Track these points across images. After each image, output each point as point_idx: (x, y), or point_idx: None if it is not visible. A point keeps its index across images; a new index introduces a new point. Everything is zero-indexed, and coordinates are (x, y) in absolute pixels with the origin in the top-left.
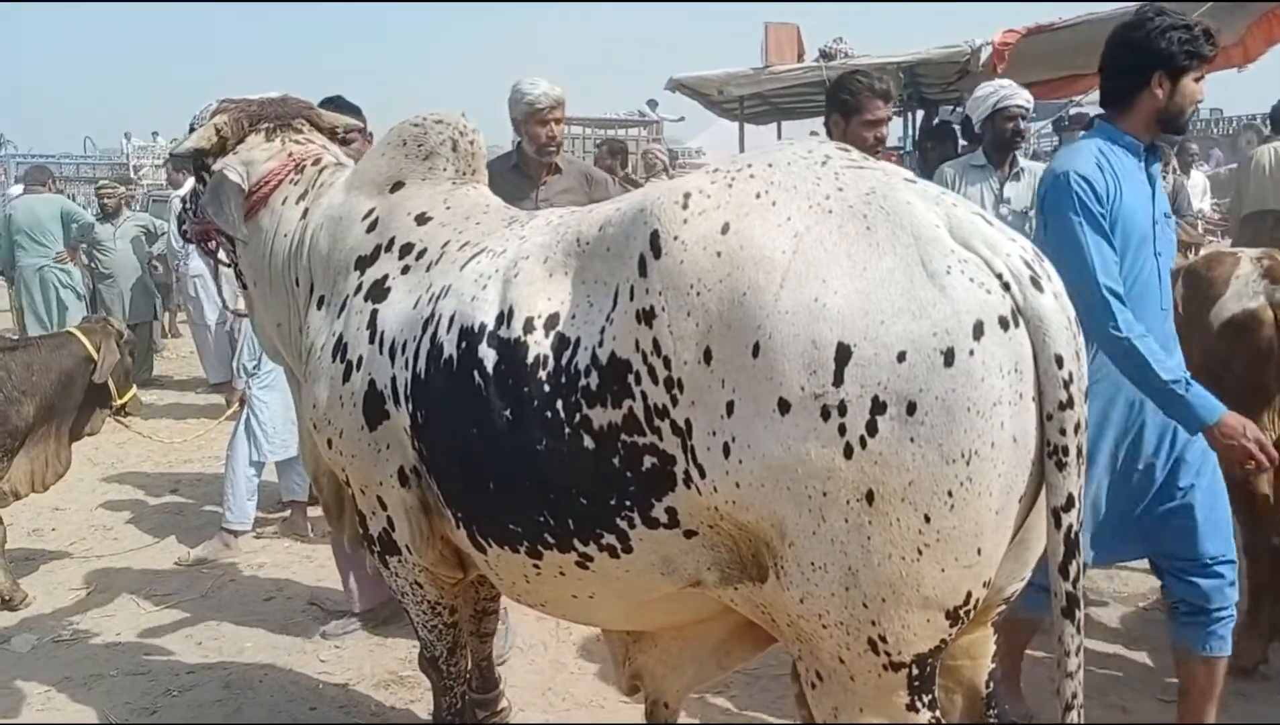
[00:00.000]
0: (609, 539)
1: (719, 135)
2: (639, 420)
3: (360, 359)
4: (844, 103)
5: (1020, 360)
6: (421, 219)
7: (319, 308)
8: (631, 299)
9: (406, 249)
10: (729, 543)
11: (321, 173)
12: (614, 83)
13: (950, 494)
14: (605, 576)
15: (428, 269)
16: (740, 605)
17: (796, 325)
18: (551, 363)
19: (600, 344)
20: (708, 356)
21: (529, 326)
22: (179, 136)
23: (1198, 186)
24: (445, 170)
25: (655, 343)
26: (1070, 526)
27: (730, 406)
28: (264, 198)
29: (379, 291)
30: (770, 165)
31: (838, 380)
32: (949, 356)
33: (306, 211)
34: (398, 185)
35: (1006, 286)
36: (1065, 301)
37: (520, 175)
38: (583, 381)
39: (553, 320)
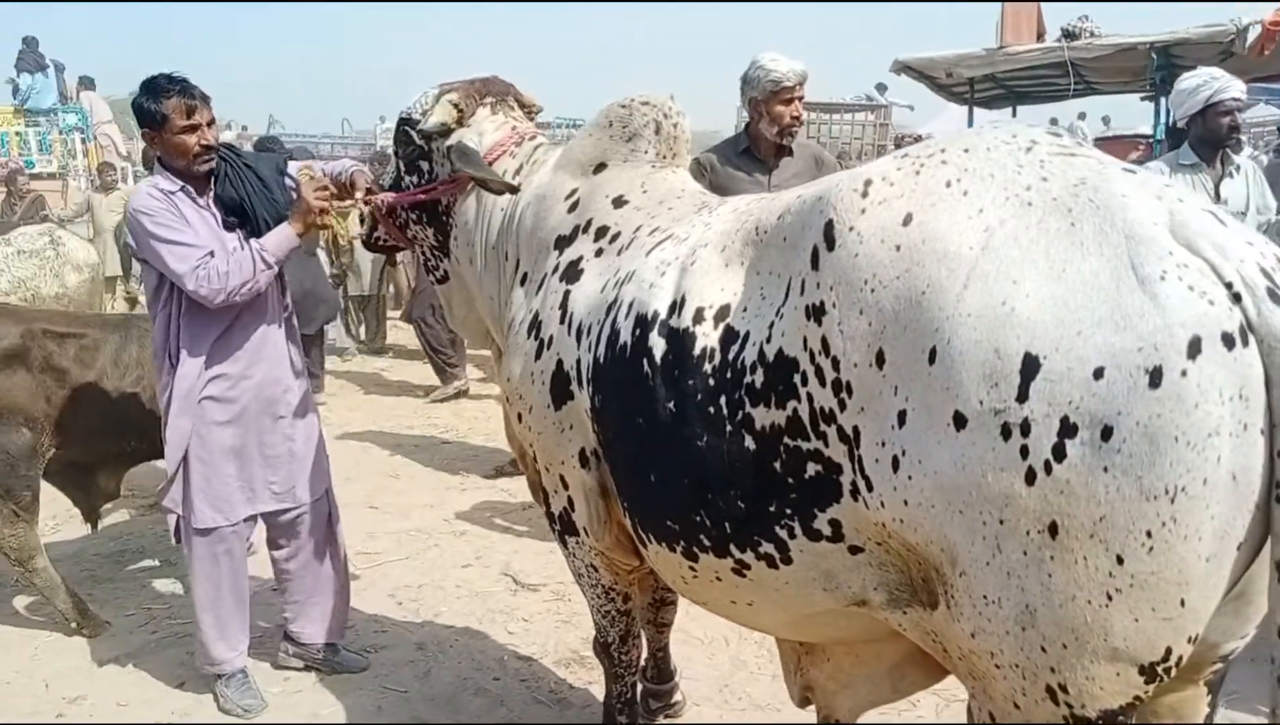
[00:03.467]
0: (766, 548)
1: (951, 123)
2: (804, 423)
3: (551, 338)
4: None
5: (1247, 385)
6: (619, 202)
7: (522, 284)
8: (802, 293)
9: (601, 231)
10: (899, 563)
11: (537, 150)
12: (840, 66)
13: (1149, 534)
14: (762, 586)
15: (619, 253)
16: (909, 631)
17: (979, 331)
18: (718, 356)
19: (768, 340)
20: (880, 359)
21: (699, 317)
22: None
23: None
24: (646, 153)
25: (824, 341)
26: None
27: (902, 416)
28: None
29: (573, 273)
30: (967, 150)
31: (1022, 395)
32: (1155, 376)
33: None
34: (600, 166)
35: (1236, 297)
36: None
37: (750, 159)
38: (747, 378)
39: (723, 312)
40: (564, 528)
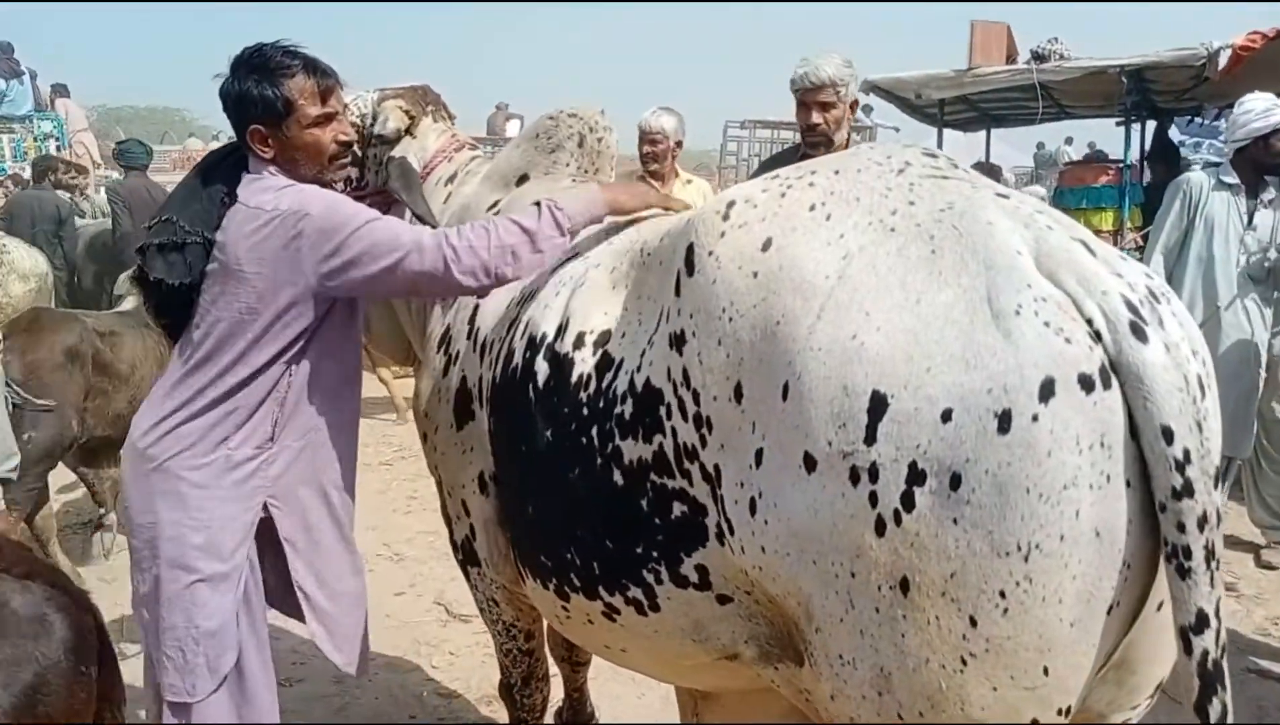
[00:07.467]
0: (635, 593)
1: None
2: (669, 460)
3: (458, 354)
4: None
5: (1109, 432)
6: None
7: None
8: (667, 321)
9: None
10: (768, 614)
11: (472, 161)
12: None
13: (1003, 595)
14: (634, 633)
15: None
16: (782, 687)
17: (828, 366)
18: (593, 383)
19: (638, 368)
20: (739, 394)
21: (579, 342)
22: None
23: None
24: (568, 165)
25: (685, 373)
26: (1206, 652)
27: (760, 455)
28: (426, 175)
29: None
30: (837, 172)
31: (870, 437)
32: (1004, 420)
33: (449, 196)
34: (523, 179)
35: (1097, 335)
36: (1183, 355)
37: None
38: (617, 408)
39: (603, 337)
40: (466, 557)
